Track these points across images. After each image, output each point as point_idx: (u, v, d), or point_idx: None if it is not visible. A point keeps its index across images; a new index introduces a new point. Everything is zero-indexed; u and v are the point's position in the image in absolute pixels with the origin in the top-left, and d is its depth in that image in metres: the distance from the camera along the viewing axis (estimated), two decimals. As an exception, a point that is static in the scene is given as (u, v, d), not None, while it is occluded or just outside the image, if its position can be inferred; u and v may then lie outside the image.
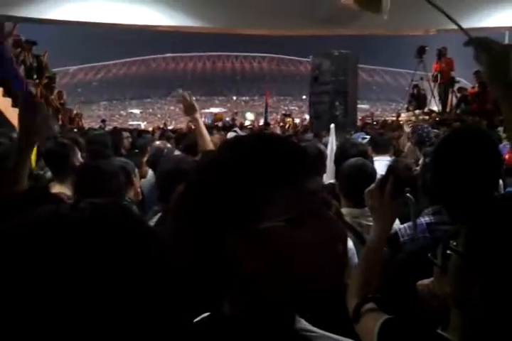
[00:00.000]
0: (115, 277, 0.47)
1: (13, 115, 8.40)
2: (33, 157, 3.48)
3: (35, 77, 9.75)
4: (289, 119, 11.49)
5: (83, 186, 1.94)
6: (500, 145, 2.67)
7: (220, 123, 9.77)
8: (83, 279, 0.45)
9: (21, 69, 9.18)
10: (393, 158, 3.69)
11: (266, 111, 11.69)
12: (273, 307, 0.63)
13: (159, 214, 2.06)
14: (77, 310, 0.45)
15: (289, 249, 0.60)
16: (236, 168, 0.61)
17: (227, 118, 15.79)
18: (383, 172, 1.36)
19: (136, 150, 4.10)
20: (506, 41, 14.85)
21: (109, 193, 1.83)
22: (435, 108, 11.66)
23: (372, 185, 1.32)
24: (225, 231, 0.60)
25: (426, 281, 1.11)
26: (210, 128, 5.19)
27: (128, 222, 0.52)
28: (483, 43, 1.12)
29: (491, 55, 1.10)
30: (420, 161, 3.07)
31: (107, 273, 0.46)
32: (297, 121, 16.47)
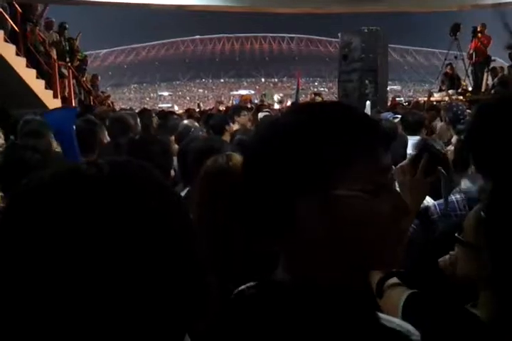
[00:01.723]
0: (133, 233, 0.46)
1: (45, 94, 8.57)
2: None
3: (67, 59, 9.89)
4: (319, 98, 11.32)
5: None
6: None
7: (248, 105, 9.74)
8: (101, 235, 0.45)
9: (53, 52, 9.32)
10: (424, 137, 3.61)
11: (297, 92, 11.55)
12: (331, 278, 0.63)
13: (187, 189, 2.07)
14: (96, 265, 0.45)
15: (362, 218, 0.60)
16: (314, 135, 0.61)
17: (256, 100, 15.71)
18: (412, 151, 1.34)
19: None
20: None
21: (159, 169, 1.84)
22: (470, 88, 11.32)
23: (405, 161, 1.30)
24: (298, 194, 0.60)
25: (447, 257, 1.08)
26: (238, 109, 5.17)
27: (147, 180, 0.52)
28: None
29: None
30: (453, 140, 3.00)
31: (124, 229, 0.46)
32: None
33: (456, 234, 1.05)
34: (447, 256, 1.09)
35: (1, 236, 0.46)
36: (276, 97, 15.25)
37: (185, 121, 4.18)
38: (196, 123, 4.18)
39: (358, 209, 0.60)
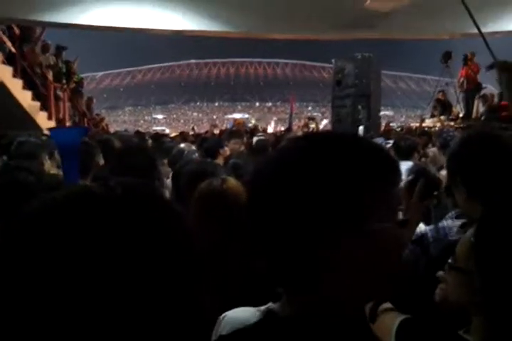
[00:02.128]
0: (143, 253, 0.47)
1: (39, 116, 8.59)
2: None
3: (64, 81, 9.96)
4: (313, 123, 11.40)
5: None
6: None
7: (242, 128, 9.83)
8: (112, 255, 0.46)
9: (50, 74, 9.39)
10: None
11: (291, 116, 11.65)
12: (355, 306, 0.66)
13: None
14: (106, 282, 0.45)
15: (392, 247, 0.64)
16: (340, 170, 0.61)
17: (250, 124, 15.81)
18: (405, 177, 1.36)
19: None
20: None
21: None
22: (461, 114, 11.48)
23: (401, 186, 1.31)
24: (334, 233, 0.60)
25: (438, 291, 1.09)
26: (230, 135, 5.21)
27: (157, 201, 0.53)
28: (506, 65, 1.17)
29: None
30: (444, 165, 3.03)
31: (135, 249, 0.47)
32: (321, 126, 16.38)
33: (449, 260, 1.05)
34: (438, 290, 1.09)
35: (12, 258, 0.46)
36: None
37: (182, 145, 4.20)
38: (193, 147, 4.20)
39: (390, 239, 0.63)
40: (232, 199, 1.56)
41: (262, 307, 1.04)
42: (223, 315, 1.04)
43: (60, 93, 9.62)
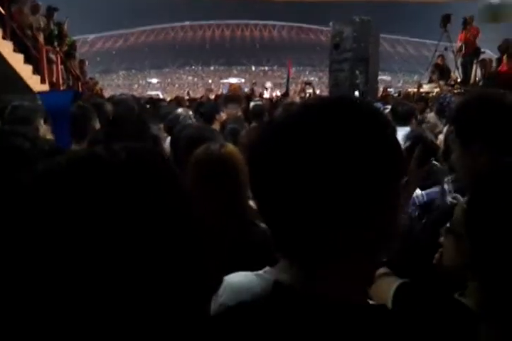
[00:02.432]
0: (149, 218, 0.47)
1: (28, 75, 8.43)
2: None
3: (56, 44, 9.72)
4: (310, 88, 11.26)
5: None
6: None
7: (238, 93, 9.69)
8: (116, 221, 0.46)
9: (41, 36, 9.15)
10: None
11: (288, 81, 11.49)
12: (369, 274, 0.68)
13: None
14: (111, 248, 0.45)
15: (394, 214, 0.66)
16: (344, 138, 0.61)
17: (246, 89, 15.60)
18: (402, 142, 1.36)
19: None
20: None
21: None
22: (459, 79, 11.36)
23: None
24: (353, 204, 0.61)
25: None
26: (226, 100, 5.14)
27: (162, 166, 0.53)
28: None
29: None
30: (444, 129, 3.02)
31: (141, 213, 0.47)
32: (318, 91, 16.15)
33: (447, 224, 1.06)
34: (438, 254, 1.11)
35: (15, 224, 0.46)
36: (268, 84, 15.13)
37: (180, 110, 4.15)
38: (190, 112, 4.15)
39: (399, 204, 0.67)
40: (230, 165, 1.55)
41: (260, 272, 1.05)
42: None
43: (52, 56, 9.40)
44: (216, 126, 3.93)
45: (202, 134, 2.13)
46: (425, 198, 1.89)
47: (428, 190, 1.92)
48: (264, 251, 1.41)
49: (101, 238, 0.45)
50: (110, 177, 0.48)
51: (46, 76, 9.00)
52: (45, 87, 8.67)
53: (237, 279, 1.02)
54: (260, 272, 1.00)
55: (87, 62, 12.32)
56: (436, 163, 1.35)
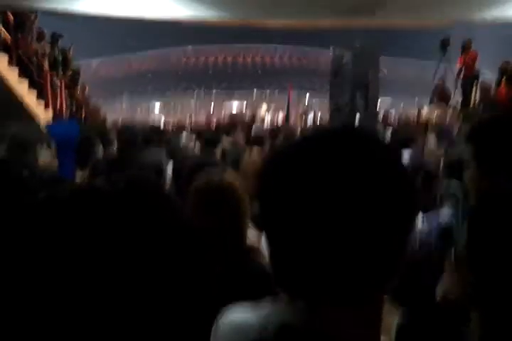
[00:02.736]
0: (146, 248, 0.47)
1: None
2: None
3: (60, 70, 9.85)
4: (311, 114, 11.35)
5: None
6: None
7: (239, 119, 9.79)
8: (114, 249, 0.46)
9: (45, 62, 9.29)
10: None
11: (288, 105, 11.61)
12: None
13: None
14: (110, 277, 0.45)
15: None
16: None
17: (247, 112, 15.67)
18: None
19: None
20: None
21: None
22: (459, 102, 11.43)
23: None
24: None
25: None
26: (230, 128, 5.17)
27: (160, 196, 0.53)
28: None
29: None
30: (438, 153, 3.03)
31: (138, 243, 0.47)
32: (319, 113, 16.18)
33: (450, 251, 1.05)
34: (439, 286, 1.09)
35: (13, 255, 0.46)
36: (264, 107, 15.17)
37: (183, 136, 4.19)
38: (194, 138, 4.19)
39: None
40: (229, 193, 1.55)
41: (259, 305, 1.02)
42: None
43: (56, 81, 9.52)
44: (218, 151, 3.95)
45: (204, 162, 2.14)
46: (425, 223, 1.88)
47: (429, 214, 1.90)
48: (262, 281, 1.39)
49: (98, 268, 0.45)
50: (108, 207, 0.48)
51: (50, 101, 9.10)
52: (49, 112, 8.75)
53: (238, 317, 0.99)
54: (258, 305, 0.98)
55: (87, 87, 12.38)
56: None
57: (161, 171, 2.24)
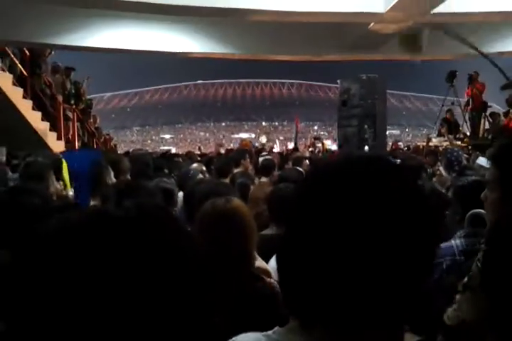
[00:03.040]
0: (154, 271, 0.49)
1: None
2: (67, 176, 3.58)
3: (72, 102, 10.09)
4: (319, 145, 11.44)
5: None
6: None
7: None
8: (124, 273, 0.47)
9: (59, 95, 9.52)
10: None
11: (296, 135, 11.76)
12: None
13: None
14: (119, 299, 0.47)
15: None
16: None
17: (256, 144, 15.85)
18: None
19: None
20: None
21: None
22: (467, 133, 11.47)
23: None
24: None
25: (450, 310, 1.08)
26: (243, 152, 5.21)
27: (170, 222, 0.55)
28: None
29: None
30: (449, 183, 3.02)
31: (147, 268, 0.48)
32: (329, 143, 16.32)
33: (464, 280, 1.04)
34: (450, 309, 1.08)
35: (27, 279, 0.48)
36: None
37: (195, 165, 4.21)
38: (203, 167, 4.21)
39: None
40: (235, 219, 1.55)
41: (270, 333, 1.01)
42: None
43: (69, 113, 9.73)
44: (227, 179, 3.96)
45: (216, 189, 2.14)
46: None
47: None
48: (271, 306, 1.38)
49: (107, 294, 0.47)
50: (120, 232, 0.49)
51: (62, 133, 9.27)
52: (61, 144, 8.90)
53: None
54: (269, 333, 0.96)
55: (98, 119, 12.57)
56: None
57: (171, 198, 2.26)
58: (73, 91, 10.20)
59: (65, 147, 8.93)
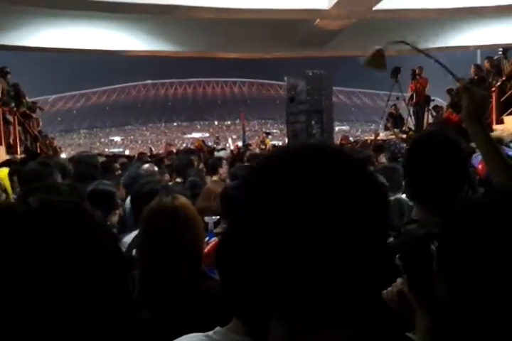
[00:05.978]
0: (59, 266, 0.48)
1: None
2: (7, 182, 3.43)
3: (12, 105, 9.67)
4: (270, 137, 11.53)
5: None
6: (473, 156, 2.70)
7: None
8: (25, 269, 0.46)
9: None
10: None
11: (244, 133, 11.80)
12: None
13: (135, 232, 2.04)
14: (26, 298, 0.46)
15: None
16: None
17: (210, 143, 15.82)
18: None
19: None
20: (478, 59, 15.30)
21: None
22: (412, 126, 11.87)
23: None
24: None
25: (390, 289, 1.09)
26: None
27: (76, 215, 0.53)
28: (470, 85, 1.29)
29: (474, 95, 1.26)
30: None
31: (50, 262, 0.48)
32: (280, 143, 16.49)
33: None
34: (390, 288, 1.09)
35: None
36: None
37: (146, 165, 4.09)
38: (156, 168, 4.11)
39: None
40: (182, 216, 1.53)
41: (210, 333, 0.98)
42: None
43: (9, 117, 9.32)
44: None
45: (160, 187, 2.12)
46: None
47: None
48: (219, 303, 1.36)
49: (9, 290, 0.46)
50: (19, 225, 0.49)
51: (3, 138, 8.88)
52: (2, 149, 8.54)
53: None
54: (210, 333, 0.94)
55: (40, 123, 12.07)
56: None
57: (111, 200, 2.21)
58: (12, 93, 9.79)
59: (7, 152, 8.58)
